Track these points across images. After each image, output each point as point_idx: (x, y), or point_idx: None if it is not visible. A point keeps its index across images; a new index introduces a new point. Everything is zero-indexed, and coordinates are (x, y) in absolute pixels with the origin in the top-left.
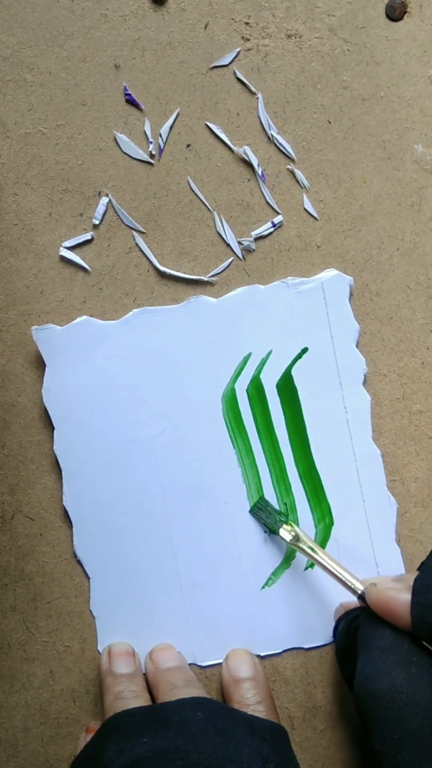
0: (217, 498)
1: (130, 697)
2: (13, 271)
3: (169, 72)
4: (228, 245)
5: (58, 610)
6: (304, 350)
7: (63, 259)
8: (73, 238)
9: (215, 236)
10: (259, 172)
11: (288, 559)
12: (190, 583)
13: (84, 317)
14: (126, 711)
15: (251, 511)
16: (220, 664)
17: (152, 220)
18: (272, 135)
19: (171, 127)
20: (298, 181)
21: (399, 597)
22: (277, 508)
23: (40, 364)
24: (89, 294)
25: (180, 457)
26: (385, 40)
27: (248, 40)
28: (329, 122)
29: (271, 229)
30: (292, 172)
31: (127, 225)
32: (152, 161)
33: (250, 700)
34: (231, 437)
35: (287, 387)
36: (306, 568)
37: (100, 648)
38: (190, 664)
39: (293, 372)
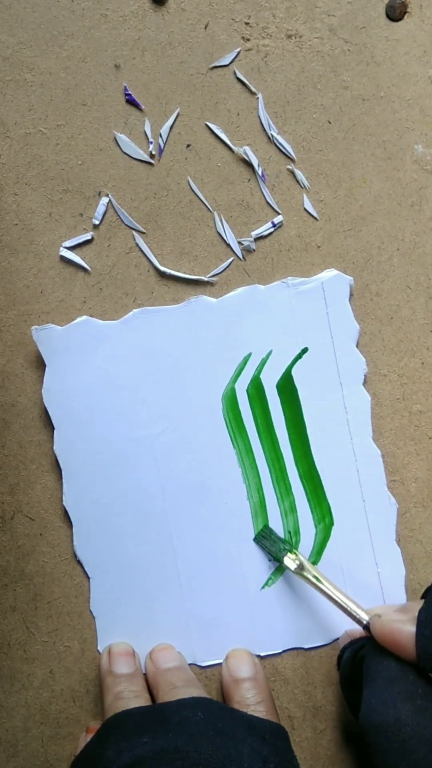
0: (217, 498)
1: (130, 697)
2: (13, 271)
3: (169, 72)
4: (228, 245)
5: (58, 610)
6: (304, 350)
7: (63, 259)
8: (73, 238)
9: (215, 236)
10: (259, 172)
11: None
12: (190, 583)
13: (84, 317)
14: (126, 711)
15: (255, 540)
16: (220, 664)
17: (152, 220)
18: (272, 135)
19: (171, 127)
20: (298, 181)
21: (403, 629)
22: (281, 536)
23: (40, 364)
24: (89, 294)
25: (180, 457)
26: (385, 40)
27: (248, 40)
28: (329, 122)
29: (271, 229)
30: (292, 172)
31: (127, 225)
32: (152, 161)
33: (250, 700)
34: (231, 437)
35: (287, 387)
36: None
37: (100, 648)
38: (190, 664)
39: (293, 372)
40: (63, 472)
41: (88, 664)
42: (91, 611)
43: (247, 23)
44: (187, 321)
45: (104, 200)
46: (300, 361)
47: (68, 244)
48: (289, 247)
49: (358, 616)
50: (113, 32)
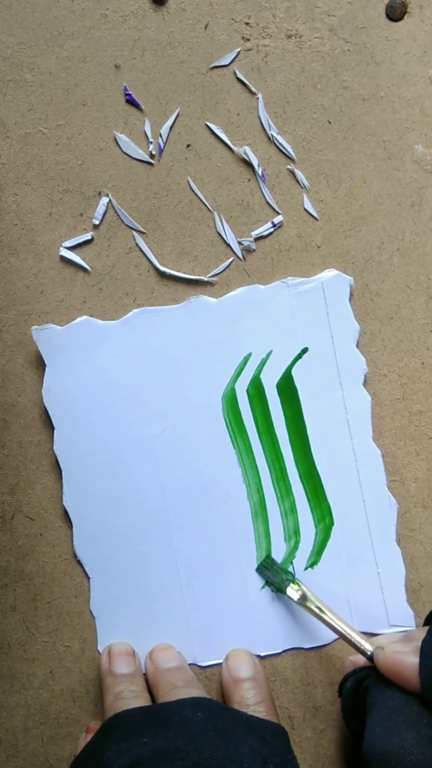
0: (217, 498)
1: (130, 697)
2: (13, 271)
3: (169, 72)
4: (228, 245)
5: (58, 610)
6: (305, 350)
7: (63, 259)
8: (73, 238)
9: (215, 236)
10: (260, 172)
11: (288, 559)
12: (190, 583)
13: (84, 317)
14: (126, 711)
15: (258, 570)
16: (220, 664)
17: (152, 220)
18: (272, 135)
19: (171, 127)
20: (298, 181)
21: (407, 661)
22: (283, 566)
23: (40, 364)
24: (89, 294)
25: (180, 457)
26: (385, 40)
27: (248, 40)
28: (329, 122)
29: (271, 229)
30: (292, 172)
31: (127, 225)
32: (152, 161)
33: (250, 701)
34: (231, 437)
35: (287, 387)
36: (306, 568)
37: (100, 648)
38: (190, 664)
39: (293, 372)
40: (63, 472)
41: (88, 664)
42: (91, 611)
43: (247, 23)
44: (187, 321)
45: (104, 200)
46: (300, 361)
47: (68, 244)
48: (289, 247)
49: (361, 648)
50: (113, 32)
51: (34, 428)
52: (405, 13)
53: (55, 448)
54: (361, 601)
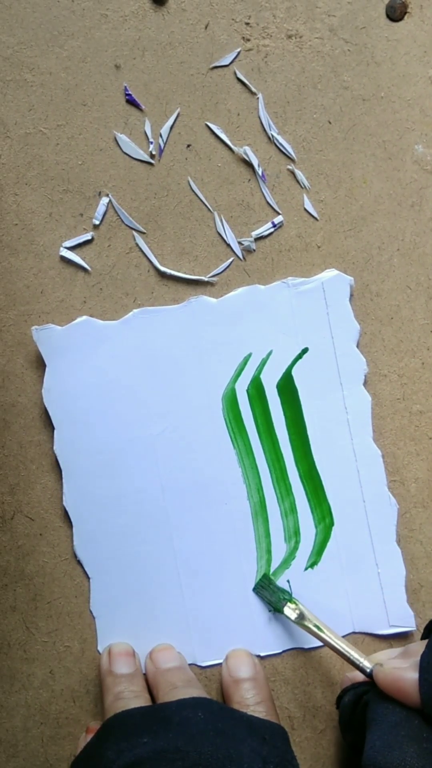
0: (217, 498)
1: (130, 697)
2: (14, 271)
3: (169, 72)
4: (228, 245)
5: (58, 610)
6: (305, 350)
7: (63, 259)
8: (73, 238)
9: (215, 236)
10: (260, 173)
11: (288, 559)
12: (190, 583)
13: (84, 317)
14: (126, 711)
15: (254, 590)
16: (220, 664)
17: (152, 220)
18: (272, 135)
19: (171, 128)
20: (298, 182)
21: (406, 676)
22: (281, 585)
23: (40, 364)
24: (89, 294)
25: (180, 457)
26: (385, 40)
27: (249, 40)
28: (330, 122)
29: (272, 230)
30: (292, 173)
31: (127, 225)
32: (152, 161)
33: (249, 701)
34: (231, 437)
35: (287, 387)
36: (306, 568)
37: (100, 648)
38: (190, 664)
39: (293, 372)
40: (63, 472)
41: (88, 664)
42: (91, 611)
43: (247, 23)
44: (187, 321)
45: (104, 200)
46: (300, 361)
47: (68, 244)
48: (289, 248)
49: (360, 665)
50: (113, 32)
51: (34, 428)
52: (405, 13)
53: (55, 448)
54: (361, 601)
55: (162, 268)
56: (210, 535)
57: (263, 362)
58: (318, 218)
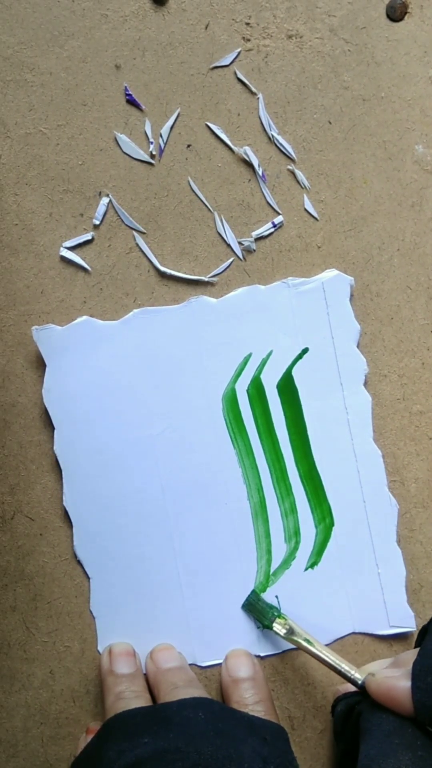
0: (218, 498)
1: (131, 697)
2: (14, 271)
3: (169, 72)
4: (228, 245)
5: (58, 610)
6: (305, 350)
7: (63, 259)
8: (73, 238)
9: (216, 236)
10: (260, 173)
11: (288, 559)
12: (190, 583)
13: (84, 317)
14: (127, 711)
15: (243, 607)
16: (220, 664)
17: (152, 221)
18: (273, 135)
19: (171, 128)
20: (298, 182)
21: (398, 685)
22: (269, 602)
23: (40, 364)
24: (89, 294)
25: (180, 457)
26: (385, 40)
27: (249, 40)
28: (330, 123)
29: (272, 230)
30: (292, 173)
31: (127, 225)
32: (153, 161)
33: (248, 700)
34: (231, 438)
35: (288, 387)
36: (306, 569)
37: (100, 648)
38: (190, 664)
39: (294, 372)
40: (63, 472)
41: (88, 664)
42: (91, 611)
43: (247, 23)
44: (187, 321)
45: (104, 200)
46: (300, 361)
47: (68, 244)
48: (289, 248)
49: (352, 677)
50: (114, 32)
51: (34, 428)
52: (405, 13)
53: (55, 448)
54: (361, 601)
55: (162, 268)
56: (210, 535)
57: (263, 362)
58: (318, 218)
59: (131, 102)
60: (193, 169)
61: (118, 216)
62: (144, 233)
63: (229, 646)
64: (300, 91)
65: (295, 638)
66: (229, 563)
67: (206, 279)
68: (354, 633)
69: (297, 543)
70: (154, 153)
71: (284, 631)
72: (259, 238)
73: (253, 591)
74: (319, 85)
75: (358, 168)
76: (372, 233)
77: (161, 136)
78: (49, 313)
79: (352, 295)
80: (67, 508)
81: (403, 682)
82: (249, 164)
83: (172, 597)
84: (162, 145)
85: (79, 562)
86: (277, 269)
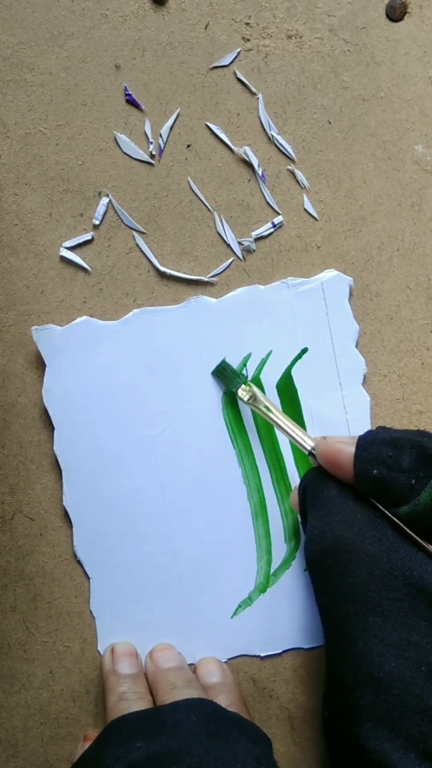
0: (218, 498)
1: (133, 698)
2: (14, 271)
3: (169, 72)
4: (228, 245)
5: (58, 610)
6: (304, 350)
7: (63, 259)
8: (73, 238)
9: (215, 236)
10: (260, 173)
11: (288, 559)
12: (190, 583)
13: (84, 317)
14: (123, 716)
15: (213, 373)
16: None
17: (152, 221)
18: (272, 135)
19: (171, 128)
20: (298, 182)
21: (345, 450)
22: (236, 370)
23: (40, 364)
24: (89, 294)
25: (180, 457)
26: (385, 40)
27: (249, 40)
28: (329, 123)
29: (272, 230)
30: (292, 173)
31: (127, 225)
32: (152, 161)
33: (221, 705)
34: (231, 438)
35: (287, 387)
36: (306, 569)
37: (100, 648)
38: (189, 665)
39: (293, 372)
40: (63, 472)
41: (88, 664)
42: (91, 611)
43: (247, 23)
44: (187, 321)
45: (104, 200)
46: (300, 361)
47: (68, 244)
48: (289, 248)
49: (304, 443)
50: (113, 32)
51: (34, 428)
52: (405, 13)
53: (55, 448)
54: None
55: (162, 268)
56: (210, 535)
57: (263, 362)
58: (318, 218)
59: (131, 102)
60: (192, 169)
61: (118, 216)
62: (144, 233)
63: (229, 646)
64: (300, 91)
65: (258, 405)
66: (229, 563)
67: (206, 279)
68: None
69: (297, 543)
70: (153, 153)
71: (247, 396)
72: (258, 238)
73: (224, 360)
74: (318, 85)
75: (357, 168)
76: (371, 233)
77: (161, 136)
78: (49, 313)
79: (351, 295)
80: (67, 508)
81: (350, 448)
82: (249, 164)
83: (172, 597)
84: (162, 145)
85: (79, 562)
86: (277, 269)
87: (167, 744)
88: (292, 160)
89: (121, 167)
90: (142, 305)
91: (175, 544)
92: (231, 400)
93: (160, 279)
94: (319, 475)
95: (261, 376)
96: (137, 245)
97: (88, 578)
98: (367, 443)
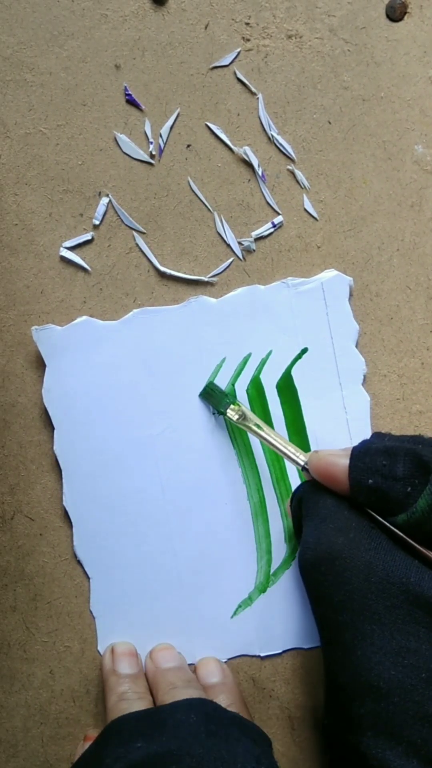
0: (218, 498)
1: (133, 698)
2: (14, 271)
3: (169, 72)
4: (228, 245)
5: (58, 610)
6: (304, 350)
7: (63, 259)
8: (73, 238)
9: (215, 236)
10: (260, 173)
11: (288, 559)
12: (190, 583)
13: (84, 317)
14: (123, 716)
15: (200, 395)
16: None
17: (152, 221)
18: (272, 135)
19: (171, 128)
20: (298, 182)
21: (338, 462)
22: (225, 390)
23: (40, 364)
24: (89, 294)
25: (180, 457)
26: (385, 40)
27: (248, 40)
28: (329, 123)
29: (272, 230)
30: (292, 173)
31: (127, 225)
32: (152, 161)
33: (222, 704)
34: (231, 437)
35: (287, 387)
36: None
37: (100, 648)
38: (189, 665)
39: (293, 372)
40: (63, 472)
41: (88, 664)
42: (91, 611)
43: (247, 23)
44: (187, 321)
45: (104, 200)
46: (300, 361)
47: (68, 244)
48: (289, 248)
49: (296, 458)
50: (113, 32)
51: (34, 428)
52: (405, 13)
53: (55, 448)
54: None
55: (162, 268)
56: (210, 535)
57: (263, 362)
58: (318, 218)
59: (131, 102)
60: (192, 169)
61: (118, 216)
62: (144, 233)
63: (229, 646)
64: (300, 91)
65: (247, 423)
66: (229, 563)
67: (206, 279)
68: None
69: (297, 543)
70: (153, 153)
71: (237, 416)
72: (258, 238)
73: (210, 381)
74: (318, 85)
75: (357, 168)
76: (371, 233)
77: (161, 136)
78: (49, 313)
79: (351, 295)
80: (67, 508)
81: (343, 460)
82: (249, 164)
83: (171, 597)
84: (162, 145)
85: (79, 562)
86: (277, 269)
87: (167, 744)
88: (292, 160)
89: (121, 167)
90: (142, 305)
91: (175, 544)
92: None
93: (160, 279)
94: (314, 487)
95: (261, 376)
96: (137, 245)
97: (88, 578)
98: (361, 453)
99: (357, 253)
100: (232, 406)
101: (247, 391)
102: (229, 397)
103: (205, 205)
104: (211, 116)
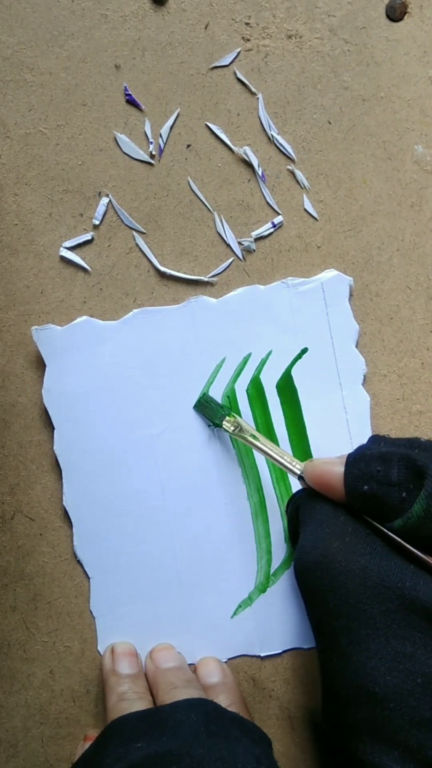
0: (218, 498)
1: (134, 698)
2: (14, 271)
3: (169, 72)
4: (228, 245)
5: (58, 610)
6: (304, 350)
7: (63, 259)
8: (73, 238)
9: (215, 236)
10: (260, 173)
11: (288, 560)
12: (190, 583)
13: (84, 317)
14: (124, 716)
15: (195, 407)
16: None
17: (152, 221)
18: (272, 135)
19: (171, 128)
20: (298, 182)
21: (334, 470)
22: (219, 402)
23: (40, 365)
24: (89, 294)
25: (180, 457)
26: (385, 40)
27: (248, 40)
28: (329, 123)
29: (272, 230)
30: (292, 173)
31: (127, 225)
32: (152, 161)
33: (222, 705)
34: (231, 437)
35: (287, 387)
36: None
37: (100, 648)
38: (189, 665)
39: (293, 372)
40: (63, 472)
41: (88, 664)
42: (91, 611)
43: (247, 23)
44: (187, 321)
45: (104, 200)
46: (300, 361)
47: (68, 244)
48: (289, 248)
49: (292, 468)
50: (113, 32)
51: (34, 428)
52: (405, 13)
53: (55, 448)
54: None
55: (162, 268)
56: (210, 535)
57: (263, 362)
58: (318, 218)
59: (131, 102)
60: (192, 169)
61: (118, 216)
62: (144, 233)
63: (229, 646)
64: (300, 91)
65: (243, 434)
66: (229, 563)
67: (206, 279)
68: None
69: (293, 549)
70: (153, 153)
71: (232, 428)
72: (258, 238)
73: (204, 393)
74: (318, 85)
75: (357, 168)
76: (371, 233)
77: (161, 136)
78: (49, 313)
79: (351, 295)
80: (67, 508)
81: (338, 468)
82: (249, 164)
83: (172, 597)
84: (162, 145)
85: (79, 562)
86: (277, 269)
87: (167, 744)
88: (292, 160)
89: (121, 167)
90: (142, 305)
91: (175, 544)
92: (231, 400)
93: (160, 279)
94: (311, 494)
95: (261, 376)
96: (137, 245)
97: (88, 578)
98: (355, 460)
99: (357, 253)
100: (227, 418)
101: (247, 391)
102: (224, 408)
103: (205, 205)
104: (211, 116)
